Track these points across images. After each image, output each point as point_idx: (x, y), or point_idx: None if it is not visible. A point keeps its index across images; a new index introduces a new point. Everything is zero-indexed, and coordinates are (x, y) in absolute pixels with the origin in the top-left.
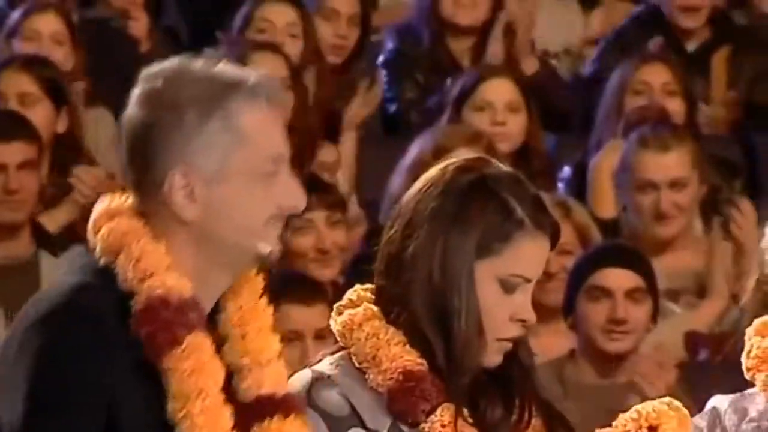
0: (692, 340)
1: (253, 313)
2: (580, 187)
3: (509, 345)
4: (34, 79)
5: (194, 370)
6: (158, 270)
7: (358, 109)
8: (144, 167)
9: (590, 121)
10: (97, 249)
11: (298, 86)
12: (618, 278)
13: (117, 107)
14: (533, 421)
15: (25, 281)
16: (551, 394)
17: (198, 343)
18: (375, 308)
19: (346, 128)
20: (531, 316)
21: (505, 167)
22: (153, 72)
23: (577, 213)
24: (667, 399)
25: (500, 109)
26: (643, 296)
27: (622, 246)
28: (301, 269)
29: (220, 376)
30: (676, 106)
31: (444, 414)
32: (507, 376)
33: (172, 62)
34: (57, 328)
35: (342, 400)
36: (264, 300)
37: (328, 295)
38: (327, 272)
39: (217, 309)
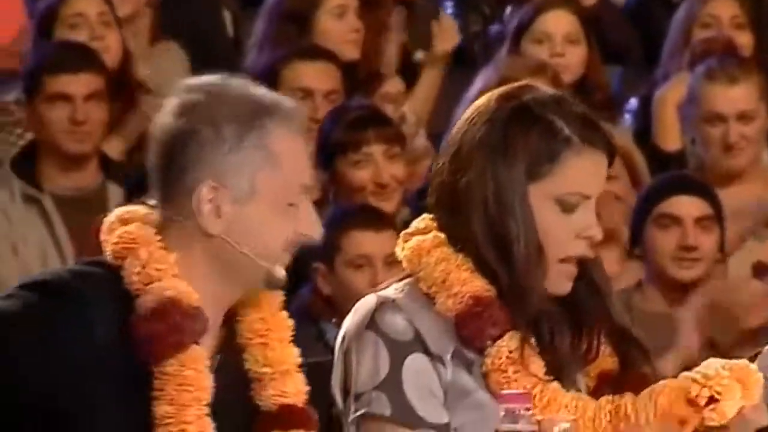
0: (760, 271)
1: (275, 324)
2: (646, 119)
3: (574, 270)
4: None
5: (193, 378)
6: (165, 276)
7: (441, 45)
8: (175, 175)
9: (654, 54)
10: (107, 250)
11: (368, 15)
12: (688, 206)
13: (183, 41)
14: (602, 349)
15: (93, 212)
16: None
17: (196, 356)
18: (443, 235)
19: (428, 65)
20: (596, 232)
21: (550, 90)
22: (193, 85)
23: (620, 138)
24: (747, 366)
25: (559, 41)
26: (712, 224)
27: (689, 175)
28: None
29: (209, 389)
30: (744, 40)
31: (511, 341)
32: (579, 306)
33: (211, 78)
34: (39, 297)
35: (406, 324)
36: (284, 313)
37: (395, 223)
38: (386, 205)
39: (229, 319)
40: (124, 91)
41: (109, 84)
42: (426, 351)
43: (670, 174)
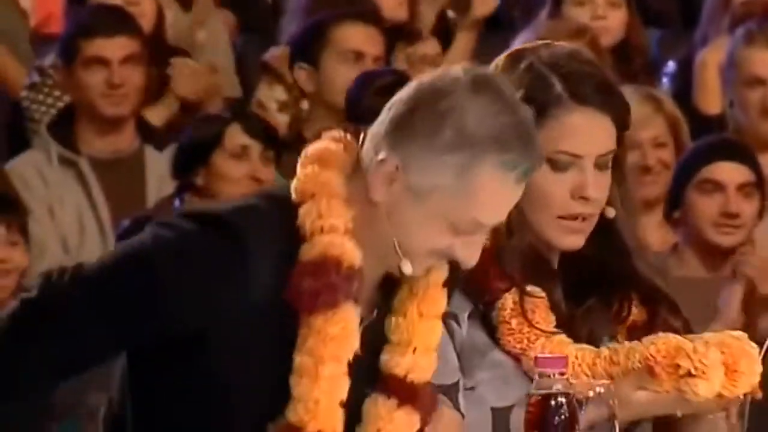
0: None
1: (425, 298)
2: (684, 82)
3: (579, 226)
4: None
5: (337, 336)
6: (336, 231)
7: (480, 10)
8: (387, 129)
9: (692, 17)
10: (293, 184)
11: None
12: (730, 172)
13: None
14: (634, 310)
15: (130, 175)
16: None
17: (349, 312)
18: None
19: (464, 28)
20: (592, 192)
21: (566, 47)
22: (461, 74)
23: (668, 104)
24: (748, 354)
25: (600, 3)
26: (754, 190)
27: (732, 140)
28: None
29: (353, 348)
30: None
31: (516, 294)
32: (606, 267)
33: (490, 76)
34: (197, 228)
35: None
36: (441, 290)
37: None
38: None
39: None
40: (158, 56)
41: (146, 48)
42: None
43: (713, 138)
